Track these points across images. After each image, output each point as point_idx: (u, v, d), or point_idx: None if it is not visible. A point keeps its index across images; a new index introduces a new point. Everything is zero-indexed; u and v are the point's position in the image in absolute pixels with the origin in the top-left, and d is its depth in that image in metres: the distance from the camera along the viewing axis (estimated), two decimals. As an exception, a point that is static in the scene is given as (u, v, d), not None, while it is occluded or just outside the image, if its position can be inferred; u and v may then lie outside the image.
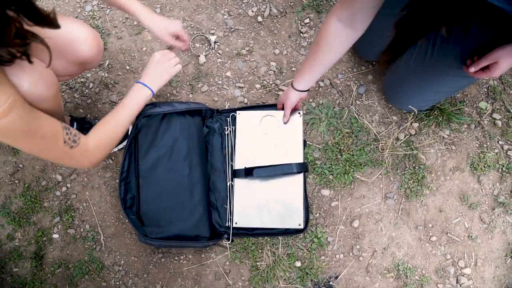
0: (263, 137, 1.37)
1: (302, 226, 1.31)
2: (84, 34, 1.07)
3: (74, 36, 1.05)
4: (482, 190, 1.44)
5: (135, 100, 1.17)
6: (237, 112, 1.39)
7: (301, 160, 1.34)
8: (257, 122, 1.38)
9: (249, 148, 1.37)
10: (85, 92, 1.50)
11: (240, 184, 1.35)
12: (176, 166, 1.35)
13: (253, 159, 1.36)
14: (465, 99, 1.48)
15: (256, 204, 1.34)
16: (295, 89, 1.20)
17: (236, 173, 1.36)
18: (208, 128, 1.42)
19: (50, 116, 0.93)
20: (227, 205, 1.36)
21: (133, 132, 1.35)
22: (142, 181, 1.35)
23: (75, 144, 0.97)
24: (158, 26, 1.18)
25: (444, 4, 0.67)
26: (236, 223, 1.34)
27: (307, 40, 1.52)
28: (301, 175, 1.33)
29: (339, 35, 0.99)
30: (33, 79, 0.92)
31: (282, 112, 1.36)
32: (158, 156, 1.36)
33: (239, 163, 1.36)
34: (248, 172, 1.34)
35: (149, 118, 1.36)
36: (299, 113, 1.36)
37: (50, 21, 0.81)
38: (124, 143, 1.43)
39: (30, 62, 0.86)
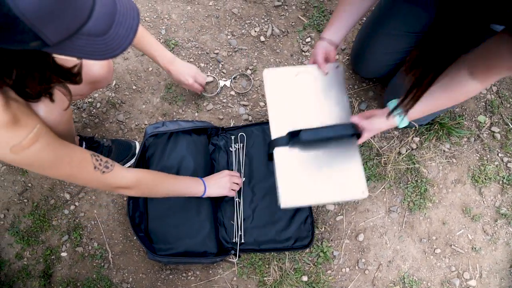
0: (301, 97, 1.15)
1: (366, 195, 1.09)
2: None
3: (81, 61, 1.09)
4: (484, 202, 1.47)
5: (189, 188, 1.28)
6: (265, 71, 1.19)
7: (350, 120, 1.12)
8: (290, 81, 1.17)
9: (285, 112, 1.14)
10: (92, 112, 1.54)
11: (282, 156, 1.11)
12: (183, 183, 1.38)
13: (292, 124, 1.12)
14: (464, 113, 1.52)
15: (306, 176, 1.09)
16: (323, 37, 1.14)
17: (275, 143, 1.12)
18: (214, 146, 1.45)
19: (75, 145, 0.96)
20: (233, 221, 1.38)
21: (140, 150, 1.38)
22: (150, 199, 1.38)
23: (107, 169, 0.99)
24: (175, 75, 1.35)
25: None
26: (285, 201, 1.08)
27: (308, 58, 1.57)
28: (353, 138, 1.12)
29: None
30: (48, 106, 0.95)
31: (316, 66, 1.18)
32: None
33: (276, 131, 1.13)
34: (295, 135, 1.08)
35: (156, 137, 1.40)
36: (337, 66, 1.17)
37: (71, 77, 0.84)
38: (132, 161, 1.46)
39: (52, 100, 0.90)
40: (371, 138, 1.49)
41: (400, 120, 1.06)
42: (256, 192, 1.41)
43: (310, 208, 1.39)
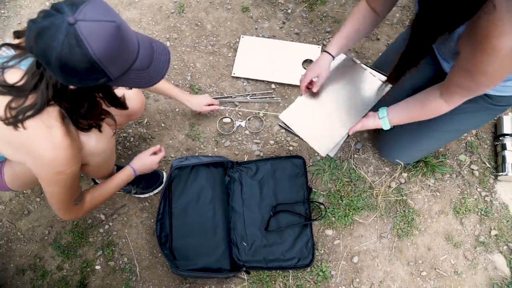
0: (342, 78, 1.47)
1: (323, 154, 1.42)
2: (131, 92, 1.39)
3: (124, 94, 1.36)
4: (464, 231, 1.67)
5: (123, 180, 1.43)
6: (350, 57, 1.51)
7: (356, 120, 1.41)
8: (361, 71, 1.48)
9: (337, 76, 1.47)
10: (126, 145, 1.80)
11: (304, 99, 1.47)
12: (202, 209, 1.62)
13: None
14: (446, 152, 1.75)
15: (311, 115, 1.45)
16: (327, 52, 1.35)
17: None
18: (230, 177, 1.69)
19: (79, 186, 1.21)
20: (245, 243, 1.61)
21: (167, 181, 1.63)
22: (174, 222, 1.61)
23: (76, 205, 1.23)
24: (195, 103, 1.66)
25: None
26: (283, 115, 1.47)
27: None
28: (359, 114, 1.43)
29: (365, 14, 1.31)
30: (98, 136, 1.21)
31: (382, 77, 1.46)
32: (188, 201, 1.63)
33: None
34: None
35: (180, 169, 1.65)
36: (386, 85, 1.39)
37: (122, 104, 1.12)
38: (160, 188, 1.71)
39: (101, 131, 1.17)
40: (365, 173, 1.72)
41: (384, 121, 1.31)
42: (265, 217, 1.63)
43: (311, 232, 1.61)
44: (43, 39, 0.78)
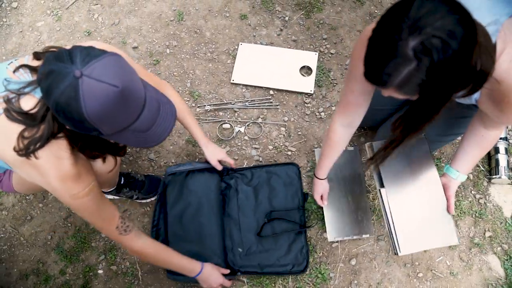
0: None
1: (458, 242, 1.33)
2: None
3: None
4: (459, 232, 1.70)
5: (186, 269, 1.45)
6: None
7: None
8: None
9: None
10: (128, 151, 1.83)
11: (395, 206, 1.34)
12: (197, 215, 1.64)
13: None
14: (441, 156, 1.79)
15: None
16: (320, 178, 1.54)
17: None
18: (225, 184, 1.71)
19: (113, 204, 1.21)
20: (240, 248, 1.62)
21: (161, 187, 1.66)
22: (169, 228, 1.64)
23: (125, 233, 1.21)
24: (210, 153, 1.60)
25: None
26: (403, 248, 1.28)
27: (310, 109, 1.87)
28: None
29: (342, 136, 1.34)
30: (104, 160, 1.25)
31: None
32: (183, 207, 1.65)
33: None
34: None
35: (175, 175, 1.67)
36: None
37: (117, 151, 1.17)
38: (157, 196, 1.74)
39: (104, 162, 1.22)
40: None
41: (461, 178, 1.30)
42: (261, 223, 1.65)
43: (305, 239, 1.64)
44: (48, 80, 0.81)
